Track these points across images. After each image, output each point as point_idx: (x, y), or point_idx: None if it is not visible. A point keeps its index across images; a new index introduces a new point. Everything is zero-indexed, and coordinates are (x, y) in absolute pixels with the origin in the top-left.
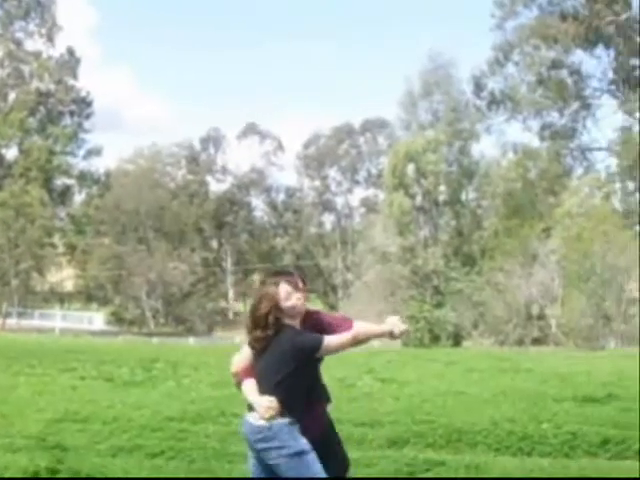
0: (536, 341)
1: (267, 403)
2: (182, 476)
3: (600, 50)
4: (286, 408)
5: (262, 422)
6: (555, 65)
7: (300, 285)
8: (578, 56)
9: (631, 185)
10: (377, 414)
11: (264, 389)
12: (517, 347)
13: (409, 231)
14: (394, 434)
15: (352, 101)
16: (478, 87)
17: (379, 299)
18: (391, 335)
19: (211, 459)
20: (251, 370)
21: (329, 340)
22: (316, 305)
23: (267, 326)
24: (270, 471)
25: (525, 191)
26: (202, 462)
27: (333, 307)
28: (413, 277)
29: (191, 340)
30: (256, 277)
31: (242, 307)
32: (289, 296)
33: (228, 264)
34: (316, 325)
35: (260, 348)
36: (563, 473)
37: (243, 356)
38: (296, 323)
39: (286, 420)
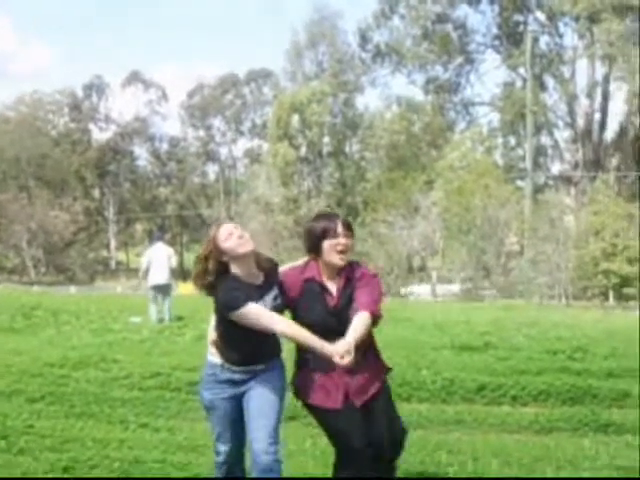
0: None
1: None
2: (62, 420)
3: (484, 5)
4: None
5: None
6: (440, 19)
7: (339, 229)
8: (463, 10)
9: (513, 140)
10: None
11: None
12: (399, 298)
13: (293, 182)
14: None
15: (238, 51)
16: (364, 39)
17: (263, 249)
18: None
19: (92, 404)
20: None
21: (254, 313)
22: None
23: (207, 272)
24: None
25: (408, 144)
26: (83, 407)
27: None
28: (296, 227)
29: (72, 289)
30: (138, 227)
31: (124, 257)
32: (229, 237)
33: (110, 213)
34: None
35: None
36: (440, 418)
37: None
38: (248, 266)
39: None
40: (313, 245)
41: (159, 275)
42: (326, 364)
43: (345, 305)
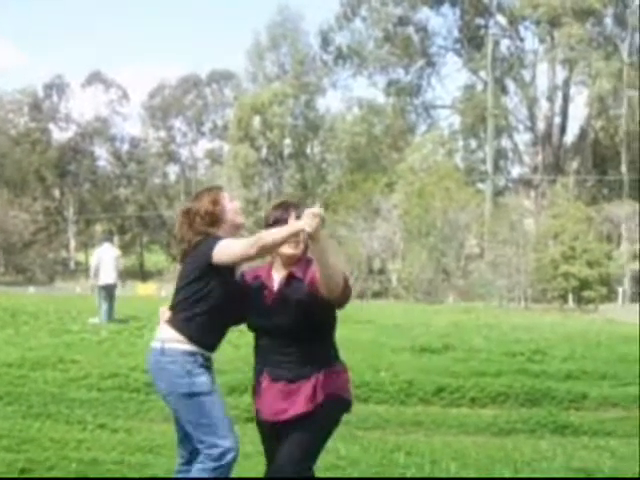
0: (377, 295)
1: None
2: (20, 420)
3: (446, 8)
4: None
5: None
6: (402, 22)
7: (291, 220)
8: (424, 14)
9: (473, 143)
10: (217, 363)
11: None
12: (358, 300)
13: (253, 183)
14: (235, 382)
15: (199, 52)
16: (325, 41)
17: None
18: (310, 237)
19: (49, 404)
20: None
21: (232, 242)
22: (159, 256)
23: (192, 228)
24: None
25: (369, 146)
26: (40, 407)
27: (175, 259)
28: (256, 229)
29: (31, 289)
30: (98, 227)
31: (83, 257)
32: (232, 203)
33: (70, 214)
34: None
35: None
36: (399, 419)
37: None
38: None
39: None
40: None
41: (108, 275)
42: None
43: (283, 303)
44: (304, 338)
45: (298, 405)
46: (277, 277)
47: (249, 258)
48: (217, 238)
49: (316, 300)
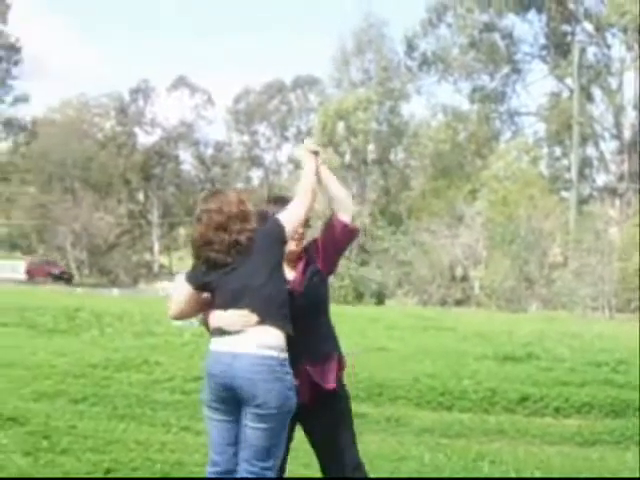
0: (459, 302)
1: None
2: (105, 421)
3: (532, 15)
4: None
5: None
6: (487, 28)
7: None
8: (510, 20)
9: (558, 150)
10: None
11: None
12: (440, 307)
13: None
14: None
15: (284, 58)
16: (410, 47)
17: None
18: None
19: (134, 406)
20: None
21: (285, 215)
22: None
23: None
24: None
25: (453, 153)
26: (125, 409)
27: None
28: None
29: (115, 291)
30: (182, 231)
31: (167, 260)
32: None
33: (154, 217)
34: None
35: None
36: (482, 428)
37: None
38: None
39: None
40: None
41: None
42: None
43: (309, 284)
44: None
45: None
46: (290, 270)
47: (309, 210)
48: (269, 216)
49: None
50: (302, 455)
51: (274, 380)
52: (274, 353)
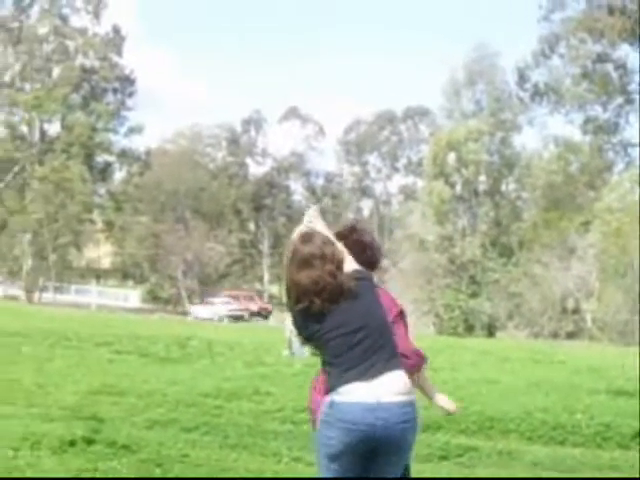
0: (570, 335)
1: None
2: (217, 450)
3: None
4: None
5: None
6: (600, 59)
7: None
8: (624, 50)
9: None
10: None
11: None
12: (551, 340)
13: (447, 220)
14: (428, 419)
15: (395, 89)
16: (522, 78)
17: (414, 286)
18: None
19: (245, 435)
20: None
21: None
22: None
23: None
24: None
25: (565, 184)
26: (236, 438)
27: None
28: (450, 266)
29: (225, 321)
30: None
31: (277, 290)
32: None
33: (265, 247)
34: None
35: None
36: (595, 463)
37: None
38: None
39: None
40: None
41: None
42: None
43: None
44: None
45: None
46: None
47: None
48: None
49: None
50: None
51: (416, 425)
52: (413, 398)
